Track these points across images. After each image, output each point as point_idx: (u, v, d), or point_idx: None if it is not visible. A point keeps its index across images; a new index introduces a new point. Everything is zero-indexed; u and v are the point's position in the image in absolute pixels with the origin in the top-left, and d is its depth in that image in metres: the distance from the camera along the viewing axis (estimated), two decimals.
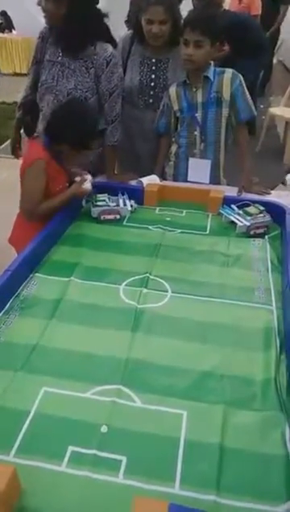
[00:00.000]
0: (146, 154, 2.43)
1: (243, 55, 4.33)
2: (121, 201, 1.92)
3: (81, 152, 1.77)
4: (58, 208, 1.75)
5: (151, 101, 2.31)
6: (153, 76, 2.27)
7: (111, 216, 1.85)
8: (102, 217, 1.84)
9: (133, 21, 2.24)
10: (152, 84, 2.28)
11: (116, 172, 2.47)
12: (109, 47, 2.01)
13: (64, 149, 1.74)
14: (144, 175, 2.11)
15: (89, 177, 1.87)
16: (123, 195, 1.97)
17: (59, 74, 2.03)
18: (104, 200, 1.89)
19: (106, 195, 1.93)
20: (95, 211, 1.84)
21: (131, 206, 1.91)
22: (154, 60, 2.26)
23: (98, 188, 1.95)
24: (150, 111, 2.31)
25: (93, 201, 1.88)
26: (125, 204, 1.90)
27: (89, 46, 1.97)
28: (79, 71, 2.00)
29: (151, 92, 2.29)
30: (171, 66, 2.25)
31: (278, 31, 6.19)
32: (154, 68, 2.26)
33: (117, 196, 1.96)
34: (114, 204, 1.89)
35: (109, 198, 1.91)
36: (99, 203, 1.87)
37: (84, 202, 1.92)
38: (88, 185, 1.83)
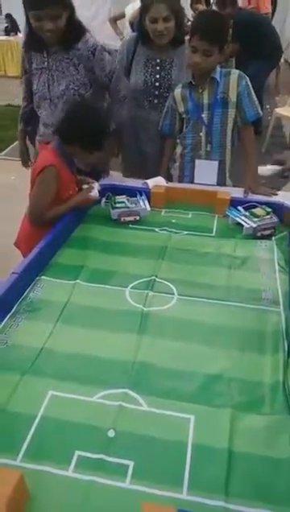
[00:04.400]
0: (152, 155, 2.43)
1: (257, 56, 4.32)
2: (141, 202, 1.91)
3: (93, 153, 1.77)
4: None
5: (155, 101, 2.31)
6: (157, 76, 2.27)
7: (131, 218, 1.84)
8: (122, 219, 1.83)
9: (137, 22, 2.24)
10: (157, 84, 2.28)
11: (123, 172, 2.48)
12: (89, 38, 1.99)
13: (75, 150, 1.74)
14: (150, 176, 2.11)
15: (96, 185, 1.87)
16: (142, 195, 1.96)
17: (49, 79, 2.03)
18: (123, 202, 1.88)
19: (125, 196, 1.92)
20: (114, 213, 1.83)
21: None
22: (158, 60, 2.26)
23: (106, 191, 1.95)
24: (155, 111, 2.31)
25: (111, 203, 1.88)
26: (144, 205, 1.90)
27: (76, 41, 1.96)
28: (67, 70, 2.00)
29: (156, 93, 2.29)
30: (176, 66, 2.25)
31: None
32: (158, 68, 2.26)
33: (135, 197, 1.95)
34: (133, 205, 1.88)
35: (128, 199, 1.90)
36: (118, 205, 1.86)
37: (102, 203, 1.91)
38: (95, 192, 1.83)
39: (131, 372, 1.13)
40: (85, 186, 1.86)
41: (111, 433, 0.97)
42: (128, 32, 5.22)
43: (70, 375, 1.11)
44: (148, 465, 0.91)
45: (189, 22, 5.99)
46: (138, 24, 2.21)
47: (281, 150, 4.74)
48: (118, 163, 2.68)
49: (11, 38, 8.30)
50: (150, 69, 2.28)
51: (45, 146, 1.78)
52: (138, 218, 1.84)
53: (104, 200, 1.92)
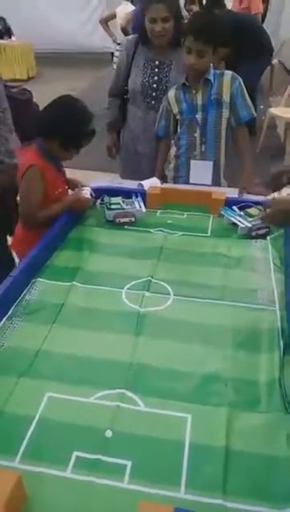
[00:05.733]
0: (148, 155, 2.44)
1: (247, 57, 4.34)
2: (136, 204, 1.92)
3: (70, 151, 1.76)
4: (57, 216, 1.74)
5: (153, 102, 2.32)
6: (156, 78, 2.29)
7: (126, 219, 1.84)
8: (117, 220, 1.83)
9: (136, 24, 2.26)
10: (154, 85, 2.30)
11: (121, 173, 2.49)
12: None
13: (54, 147, 1.72)
14: (147, 177, 2.12)
15: (88, 188, 1.88)
16: (137, 197, 1.96)
17: None
18: (118, 203, 1.88)
19: (120, 198, 1.92)
20: (110, 214, 1.83)
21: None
22: (157, 62, 2.28)
23: (101, 192, 1.96)
24: (152, 112, 2.33)
25: (106, 204, 1.88)
26: (140, 207, 1.90)
27: None
28: None
29: (154, 94, 2.31)
30: (175, 68, 2.26)
31: None
32: (157, 70, 2.28)
33: (130, 198, 1.96)
34: (129, 206, 1.89)
35: (123, 201, 1.91)
36: (113, 206, 1.87)
37: (98, 205, 1.92)
38: (86, 193, 1.83)
39: (128, 372, 1.13)
40: (77, 190, 1.87)
41: (109, 433, 0.97)
42: (120, 35, 5.24)
43: (67, 376, 1.12)
44: (146, 465, 0.91)
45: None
46: (138, 25, 2.22)
47: (275, 151, 4.78)
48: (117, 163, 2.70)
49: (5, 41, 8.29)
50: (148, 71, 2.30)
51: (26, 148, 1.77)
52: (133, 219, 1.85)
53: (99, 201, 1.93)
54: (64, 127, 1.68)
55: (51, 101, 1.74)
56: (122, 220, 1.84)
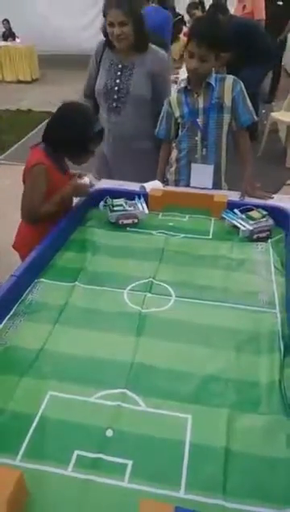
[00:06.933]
0: (110, 157, 2.49)
1: (249, 62, 4.35)
2: (139, 205, 1.92)
3: (81, 156, 1.80)
4: (59, 210, 1.76)
5: (114, 105, 2.34)
6: (118, 81, 2.31)
7: (129, 221, 1.85)
8: (120, 222, 1.84)
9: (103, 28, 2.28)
10: (116, 88, 2.31)
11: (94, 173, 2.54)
12: None
13: (66, 154, 1.78)
14: (111, 177, 2.14)
15: (86, 178, 1.90)
16: (140, 199, 1.97)
17: None
18: (121, 205, 1.89)
19: (123, 199, 1.93)
20: (113, 216, 1.84)
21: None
22: (120, 66, 2.30)
23: (104, 194, 1.97)
24: (114, 115, 2.35)
25: (109, 206, 1.89)
26: (142, 208, 1.91)
27: None
28: None
29: (115, 97, 2.33)
30: (136, 73, 2.28)
31: (286, 38, 6.21)
32: (119, 73, 2.30)
33: (133, 200, 1.97)
34: (131, 208, 1.90)
35: (126, 202, 1.92)
36: (116, 208, 1.88)
37: (101, 206, 1.93)
38: (85, 180, 1.86)
39: (129, 372, 1.14)
40: (75, 178, 1.89)
41: (109, 433, 0.98)
42: None
43: (69, 376, 1.12)
44: (146, 464, 0.92)
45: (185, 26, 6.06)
46: (104, 29, 2.25)
47: (277, 155, 4.79)
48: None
49: (9, 43, 8.33)
50: (112, 73, 2.32)
51: (35, 147, 1.80)
52: (136, 221, 1.86)
53: (102, 203, 1.94)
54: (68, 138, 1.71)
55: (55, 111, 1.77)
56: (125, 221, 1.85)
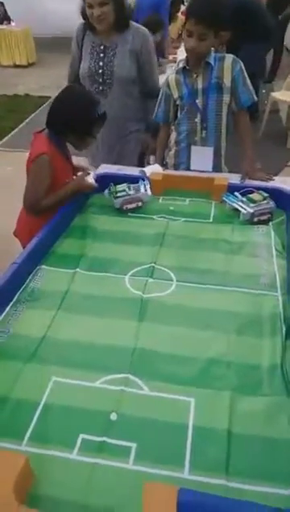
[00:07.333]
0: (101, 141, 2.44)
1: (248, 40, 4.27)
2: (142, 187, 1.91)
3: (86, 140, 1.79)
4: (62, 203, 1.76)
5: (100, 88, 2.31)
6: (101, 64, 2.28)
7: (133, 205, 1.85)
8: (125, 207, 1.83)
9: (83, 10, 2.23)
10: (100, 71, 2.29)
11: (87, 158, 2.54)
12: None
13: (69, 140, 1.77)
14: (99, 160, 2.13)
15: (91, 172, 1.88)
16: (144, 181, 1.96)
17: None
18: (124, 190, 1.88)
19: (125, 184, 1.91)
20: (117, 202, 1.83)
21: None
22: (102, 47, 2.27)
23: (106, 180, 1.95)
24: (101, 98, 2.29)
25: (113, 193, 1.88)
26: (145, 190, 1.89)
27: None
28: None
29: (100, 80, 2.30)
30: (119, 52, 2.25)
31: (288, 16, 6.08)
32: (102, 54, 2.27)
33: (136, 183, 1.94)
34: (134, 191, 1.88)
35: (128, 187, 1.90)
36: (119, 194, 1.86)
37: (106, 194, 1.91)
38: (90, 178, 1.84)
39: (132, 357, 1.15)
40: (80, 173, 1.87)
41: (114, 416, 0.99)
42: None
43: (72, 362, 1.14)
44: (150, 447, 0.94)
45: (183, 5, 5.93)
46: (83, 12, 2.20)
47: (278, 135, 4.74)
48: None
49: (4, 27, 8.18)
50: (94, 56, 2.29)
51: (38, 134, 1.78)
52: (140, 204, 1.85)
53: (107, 191, 1.92)
54: (73, 121, 1.70)
55: (55, 97, 1.76)
56: (130, 206, 1.84)
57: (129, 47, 2.24)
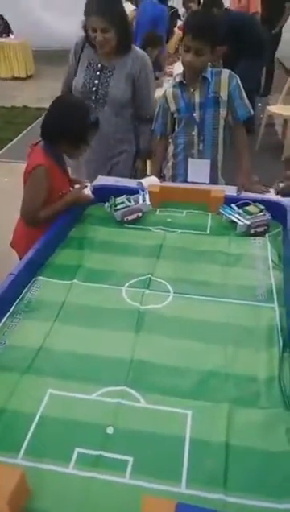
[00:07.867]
0: (87, 156, 2.34)
1: (244, 56, 4.34)
2: (140, 198, 1.91)
3: (80, 148, 1.79)
4: (60, 214, 1.76)
5: (92, 105, 2.25)
6: (96, 82, 2.26)
7: (134, 216, 1.84)
8: (125, 219, 1.83)
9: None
10: (94, 89, 2.26)
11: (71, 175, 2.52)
12: None
13: (63, 148, 1.77)
14: (86, 177, 2.12)
15: (88, 185, 1.89)
16: (143, 191, 1.96)
17: None
18: (123, 202, 1.88)
19: (124, 196, 1.91)
20: (117, 214, 1.83)
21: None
22: (99, 66, 2.25)
23: (103, 192, 1.96)
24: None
25: (112, 206, 1.88)
26: (144, 200, 1.89)
27: None
28: None
29: (93, 97, 2.27)
30: (116, 75, 2.24)
31: (280, 31, 6.19)
32: (98, 73, 2.26)
33: (135, 194, 1.95)
34: (133, 203, 1.88)
35: (127, 199, 1.90)
36: (119, 206, 1.86)
37: (107, 208, 1.91)
38: (87, 191, 1.85)
39: (129, 369, 1.14)
40: (77, 186, 1.88)
41: (110, 430, 0.98)
42: None
43: (69, 374, 1.13)
44: (147, 460, 0.93)
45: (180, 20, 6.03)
46: (83, 27, 2.19)
47: (274, 149, 4.78)
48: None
49: (3, 39, 8.26)
50: (90, 73, 2.27)
51: (34, 147, 1.79)
52: (140, 214, 1.85)
53: (107, 204, 1.92)
54: (67, 129, 1.71)
55: (48, 108, 1.76)
56: (130, 217, 1.84)
57: (126, 71, 2.23)
